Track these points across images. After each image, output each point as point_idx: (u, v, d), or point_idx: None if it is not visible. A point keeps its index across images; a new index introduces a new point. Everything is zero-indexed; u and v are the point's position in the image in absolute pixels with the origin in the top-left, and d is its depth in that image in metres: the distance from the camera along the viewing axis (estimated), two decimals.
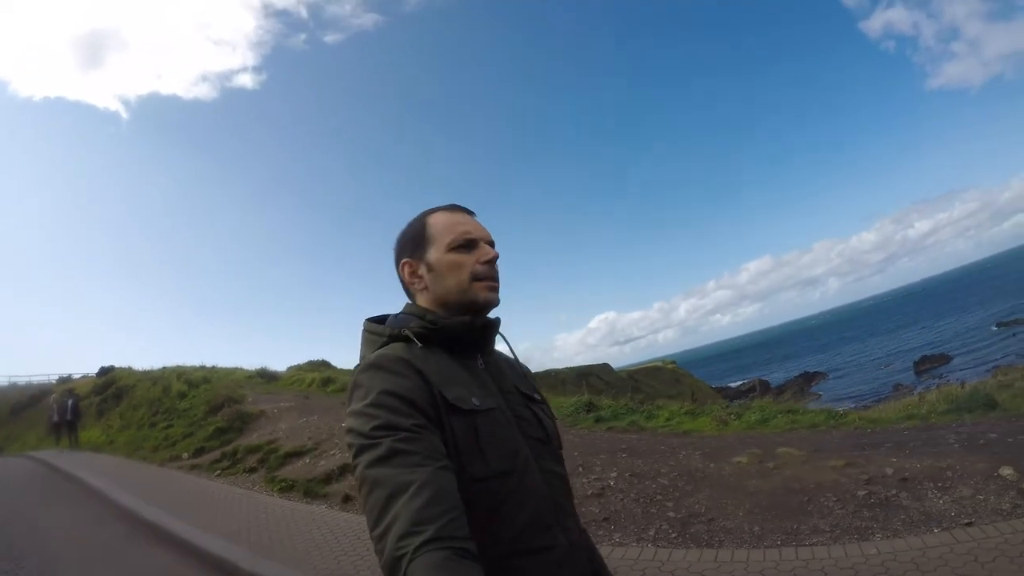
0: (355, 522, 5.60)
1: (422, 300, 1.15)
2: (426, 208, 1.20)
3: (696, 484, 5.07)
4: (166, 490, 8.13)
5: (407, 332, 1.07)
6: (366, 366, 1.01)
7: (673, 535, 4.20)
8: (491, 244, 1.16)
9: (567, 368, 41.20)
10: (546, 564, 0.99)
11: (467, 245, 1.11)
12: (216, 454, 9.62)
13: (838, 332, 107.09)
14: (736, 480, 4.99)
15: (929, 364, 35.76)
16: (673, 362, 57.62)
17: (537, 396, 1.21)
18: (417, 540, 0.76)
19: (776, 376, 55.38)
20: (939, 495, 3.94)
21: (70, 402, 15.71)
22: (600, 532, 4.46)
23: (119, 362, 23.41)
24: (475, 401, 1.02)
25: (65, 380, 26.16)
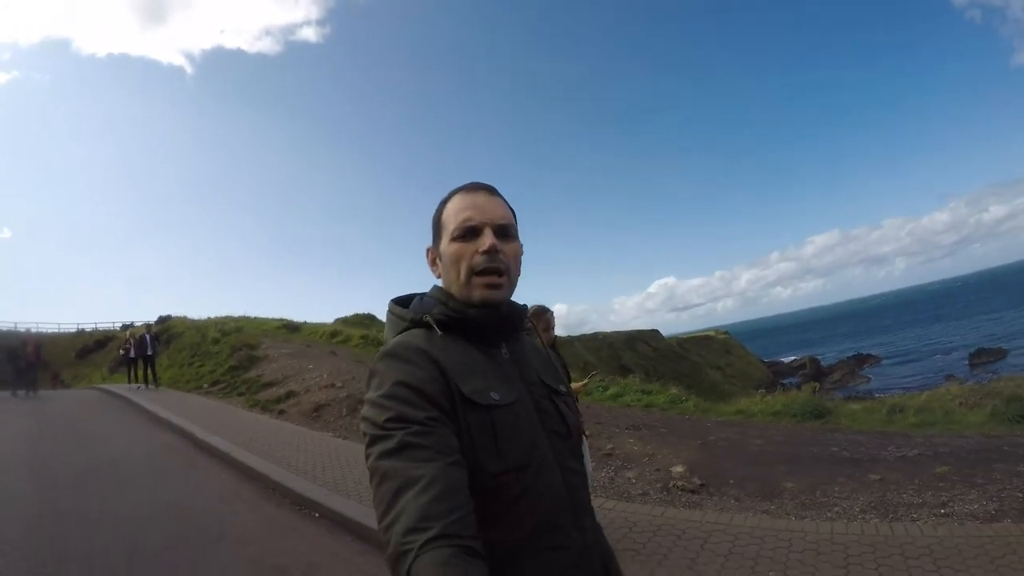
0: (277, 425, 8.39)
1: (443, 286, 1.10)
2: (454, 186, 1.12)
3: None
4: (183, 404, 10.99)
5: (428, 319, 1.03)
6: (383, 354, 0.99)
7: None
8: (501, 228, 1.04)
9: (616, 332, 42.69)
10: (560, 564, 0.98)
11: (469, 233, 1.03)
12: (224, 384, 12.22)
13: (901, 315, 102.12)
14: None
15: (985, 358, 34.83)
16: (726, 332, 58.68)
17: (562, 388, 1.16)
18: (423, 536, 0.75)
19: (830, 355, 54.25)
20: (611, 472, 5.34)
21: (148, 337, 15.01)
22: None
23: (178, 312, 26.71)
24: (494, 395, 0.98)
25: (128, 327, 28.07)
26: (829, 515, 4.13)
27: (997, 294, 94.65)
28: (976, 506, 4.07)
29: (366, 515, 4.48)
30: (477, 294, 1.02)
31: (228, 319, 21.84)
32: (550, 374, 1.15)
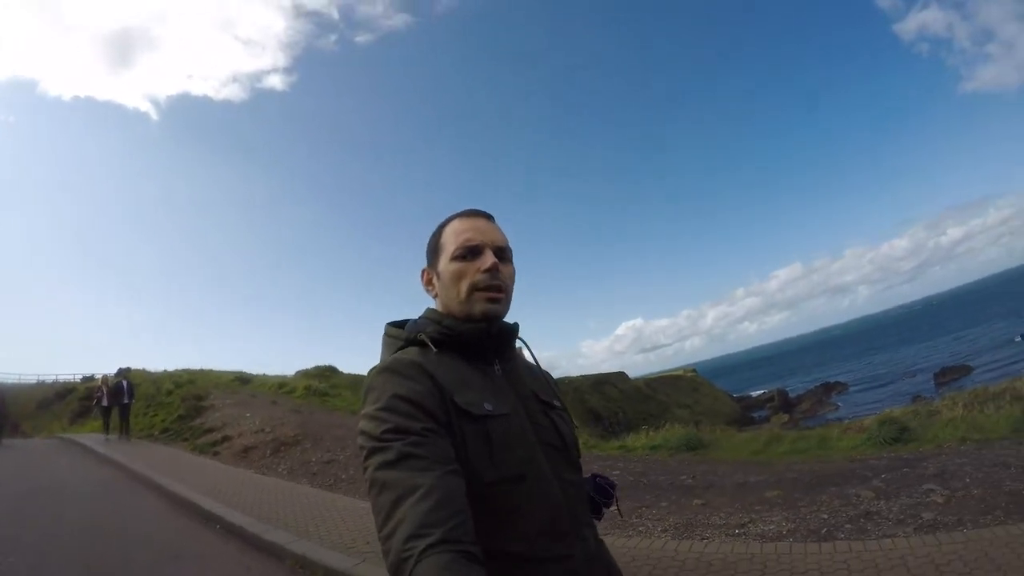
0: (210, 463, 9.73)
1: (438, 307, 1.17)
2: (450, 213, 1.21)
3: None
4: (132, 448, 12.34)
5: (423, 337, 1.08)
6: (380, 370, 1.03)
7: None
8: (500, 250, 1.14)
9: (582, 376, 42.28)
10: (563, 573, 1.00)
11: (469, 253, 1.11)
12: (172, 431, 13.61)
13: (866, 342, 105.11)
14: None
15: (951, 375, 35.62)
16: (693, 370, 59.14)
17: (556, 403, 1.20)
18: (423, 543, 0.78)
19: (798, 386, 55.57)
20: None
21: (125, 384, 14.45)
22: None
23: (137, 364, 27.33)
24: (488, 406, 1.03)
25: (88, 379, 28.89)
26: (630, 533, 4.75)
27: (958, 314, 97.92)
28: (771, 527, 4.51)
29: (251, 524, 6.06)
30: (479, 308, 1.09)
31: (184, 372, 23.01)
32: (544, 390, 1.19)
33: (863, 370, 57.68)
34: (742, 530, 4.58)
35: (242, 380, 21.05)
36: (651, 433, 10.04)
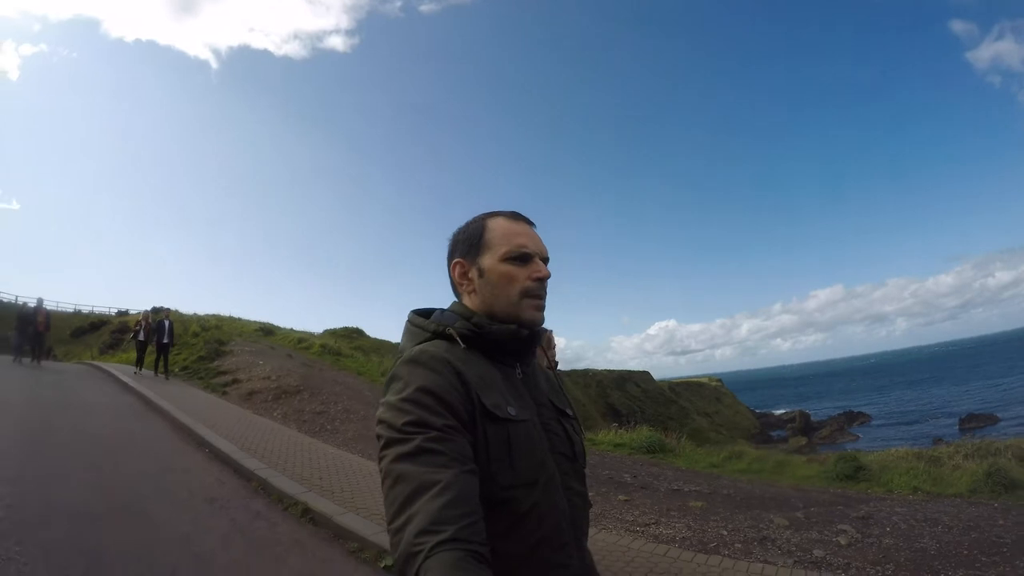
0: (217, 401, 10.88)
1: (468, 302, 1.16)
2: (489, 209, 1.22)
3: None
4: (152, 381, 13.53)
5: (451, 331, 1.08)
6: (407, 359, 1.03)
7: None
8: (545, 260, 1.16)
9: (607, 371, 42.82)
10: None
11: (522, 258, 1.13)
12: (191, 370, 14.86)
13: (898, 375, 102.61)
14: None
15: (975, 423, 34.90)
16: (719, 380, 59.32)
17: (569, 412, 1.23)
18: (434, 539, 0.79)
19: (823, 411, 55.32)
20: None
21: (167, 323, 14.45)
22: None
23: (170, 304, 28.89)
24: (511, 411, 1.04)
25: (123, 313, 30.54)
26: None
27: (995, 360, 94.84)
28: (670, 531, 4.85)
29: (234, 452, 7.06)
30: (528, 315, 1.12)
31: (213, 317, 24.63)
32: (558, 396, 1.24)
33: (890, 404, 56.66)
34: (643, 529, 4.86)
35: (265, 331, 22.47)
36: (620, 432, 10.55)
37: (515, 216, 1.19)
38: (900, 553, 4.29)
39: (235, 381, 12.65)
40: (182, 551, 4.08)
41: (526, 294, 1.12)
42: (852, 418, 47.17)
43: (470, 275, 1.16)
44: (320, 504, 5.29)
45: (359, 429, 9.14)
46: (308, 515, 5.15)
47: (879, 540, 4.59)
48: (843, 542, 4.58)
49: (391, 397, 0.98)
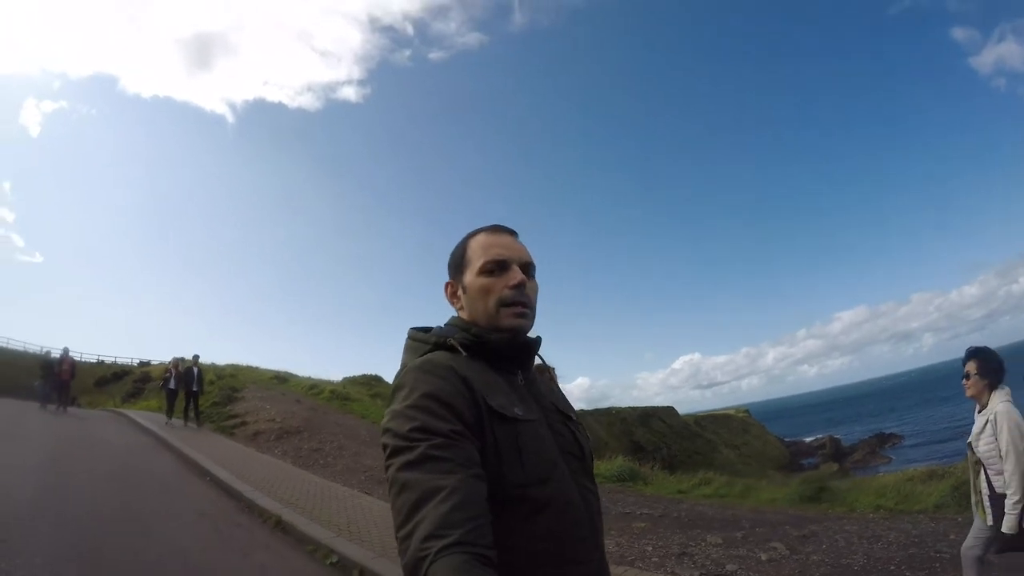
0: (224, 441, 11.96)
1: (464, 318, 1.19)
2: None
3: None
4: (171, 428, 14.70)
5: (452, 342, 1.11)
6: (412, 368, 1.05)
7: None
8: (526, 265, 1.17)
9: (630, 408, 41.77)
10: None
11: (497, 268, 1.14)
12: (204, 414, 16.06)
13: (930, 392, 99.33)
14: None
15: None
16: (746, 411, 58.84)
17: (573, 416, 1.25)
18: (440, 543, 0.79)
19: (853, 435, 54.03)
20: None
21: (196, 370, 14.56)
22: None
23: (191, 353, 29.96)
24: (517, 411, 1.06)
25: (145, 364, 31.38)
26: None
27: None
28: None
29: (229, 478, 8.11)
30: (507, 323, 1.13)
31: (230, 366, 25.90)
32: (562, 402, 1.26)
33: (921, 423, 54.57)
34: None
35: (279, 379, 23.65)
36: (598, 463, 10.86)
37: (494, 229, 1.22)
38: (820, 569, 4.29)
39: (243, 423, 13.78)
40: (168, 548, 5.11)
41: (502, 303, 1.13)
42: (884, 440, 46.14)
43: (458, 294, 1.21)
44: (292, 517, 6.26)
45: (348, 463, 10.09)
46: (280, 525, 6.13)
47: (807, 556, 4.57)
48: (764, 558, 4.55)
49: (397, 405, 1.00)
